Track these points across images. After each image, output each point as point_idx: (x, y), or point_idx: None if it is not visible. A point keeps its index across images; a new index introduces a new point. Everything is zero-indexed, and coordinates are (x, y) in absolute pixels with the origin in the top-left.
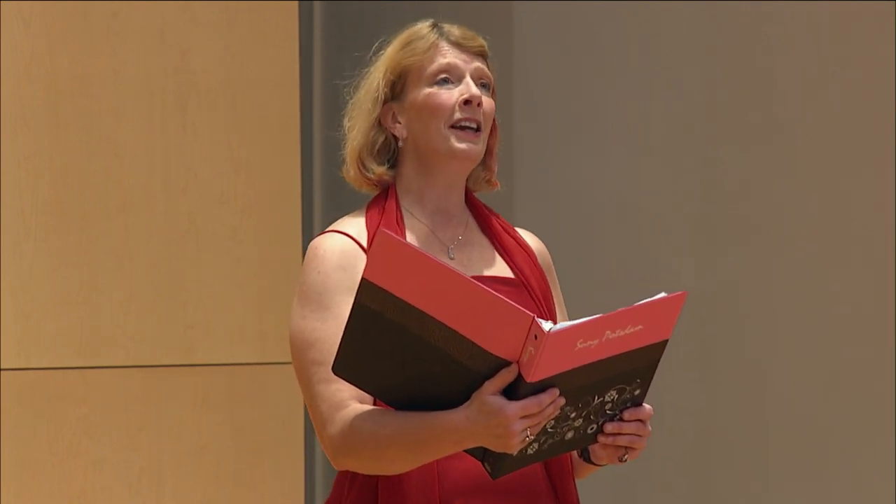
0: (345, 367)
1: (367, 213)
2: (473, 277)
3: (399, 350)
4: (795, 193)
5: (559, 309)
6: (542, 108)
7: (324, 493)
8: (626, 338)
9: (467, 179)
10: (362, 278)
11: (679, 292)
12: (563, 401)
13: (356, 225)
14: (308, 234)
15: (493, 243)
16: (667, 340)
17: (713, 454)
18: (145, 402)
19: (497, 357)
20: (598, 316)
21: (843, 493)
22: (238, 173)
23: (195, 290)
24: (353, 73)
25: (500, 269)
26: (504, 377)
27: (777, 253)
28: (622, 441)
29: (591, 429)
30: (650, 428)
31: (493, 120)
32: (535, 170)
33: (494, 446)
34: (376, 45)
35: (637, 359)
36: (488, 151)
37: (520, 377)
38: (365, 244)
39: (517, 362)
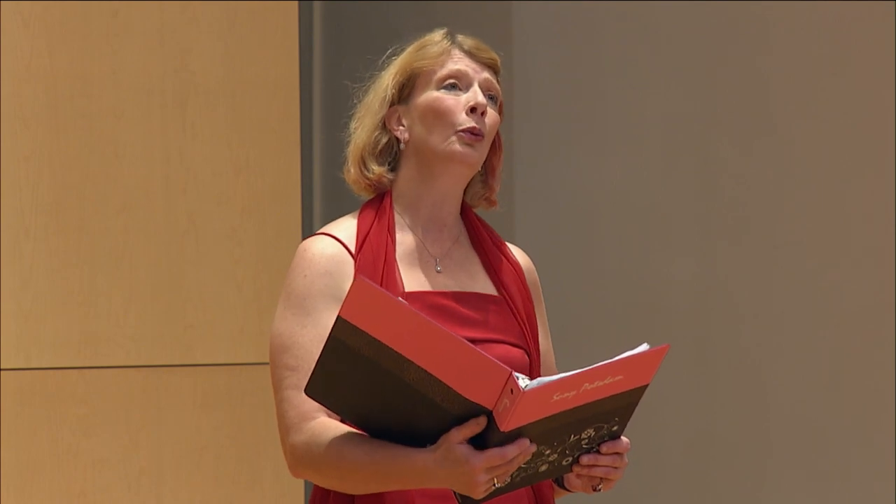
0: (316, 390)
1: (359, 216)
2: (458, 292)
3: (372, 384)
4: (795, 193)
5: (542, 327)
6: (541, 108)
7: None
8: (604, 387)
9: (466, 194)
10: (338, 316)
11: (661, 346)
12: (534, 448)
13: (347, 228)
14: (308, 234)
15: (481, 259)
16: (647, 385)
17: (711, 454)
18: (145, 402)
19: (472, 402)
20: (576, 372)
21: (843, 493)
22: (238, 173)
23: (195, 290)
24: (363, 76)
25: (485, 285)
26: (473, 427)
27: (776, 252)
28: (597, 472)
29: (567, 461)
30: (627, 460)
31: (498, 137)
32: (535, 170)
33: (459, 490)
34: (390, 50)
35: (616, 401)
36: (490, 170)
37: (492, 423)
38: (354, 249)
39: (491, 410)
